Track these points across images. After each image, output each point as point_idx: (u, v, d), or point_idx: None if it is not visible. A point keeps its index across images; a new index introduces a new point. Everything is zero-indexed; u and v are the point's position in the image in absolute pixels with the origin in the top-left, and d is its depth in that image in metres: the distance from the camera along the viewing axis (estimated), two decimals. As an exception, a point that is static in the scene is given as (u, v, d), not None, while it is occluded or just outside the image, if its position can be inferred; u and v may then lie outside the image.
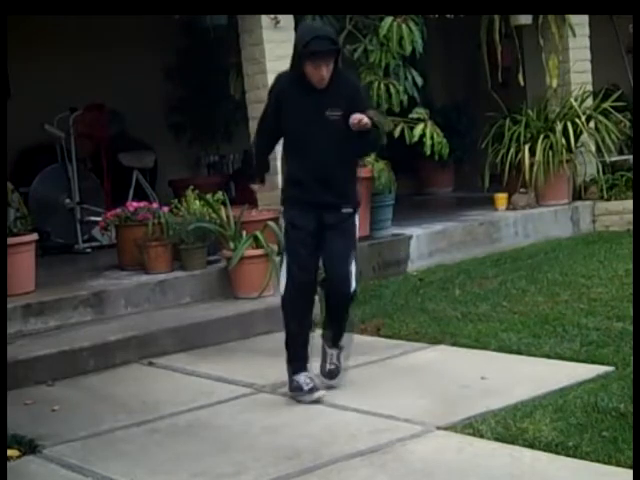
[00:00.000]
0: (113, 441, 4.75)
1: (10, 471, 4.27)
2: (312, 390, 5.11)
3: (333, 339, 5.38)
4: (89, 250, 8.90)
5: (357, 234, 5.32)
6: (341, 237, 5.19)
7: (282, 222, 5.34)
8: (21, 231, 7.08)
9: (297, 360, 5.21)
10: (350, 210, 5.21)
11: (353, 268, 5.22)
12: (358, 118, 4.99)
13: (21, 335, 6.36)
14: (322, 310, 5.54)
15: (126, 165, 9.70)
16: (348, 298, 5.27)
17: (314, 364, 5.31)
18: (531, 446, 4.21)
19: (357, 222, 5.29)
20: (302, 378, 5.14)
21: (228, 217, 7.34)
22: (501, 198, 9.67)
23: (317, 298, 5.41)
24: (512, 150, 9.57)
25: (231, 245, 7.15)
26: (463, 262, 8.50)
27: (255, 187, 5.72)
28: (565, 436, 4.26)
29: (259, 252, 7.05)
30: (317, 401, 5.08)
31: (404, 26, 8.14)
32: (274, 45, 7.85)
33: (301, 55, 5.04)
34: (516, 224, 9.29)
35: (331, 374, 5.36)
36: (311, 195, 5.15)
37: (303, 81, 5.10)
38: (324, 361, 5.37)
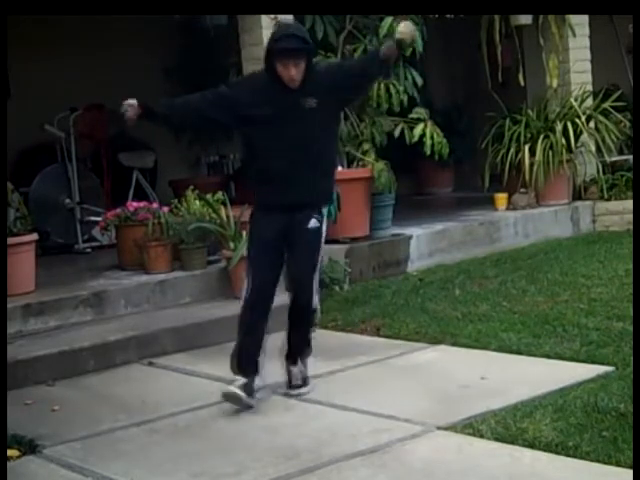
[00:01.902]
0: (113, 441, 4.75)
1: (10, 471, 4.26)
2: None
3: (296, 354, 5.27)
4: (89, 250, 8.89)
5: (323, 241, 5.13)
6: (306, 249, 5.06)
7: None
8: (21, 231, 7.08)
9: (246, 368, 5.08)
10: (318, 225, 5.05)
11: (316, 283, 5.13)
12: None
13: (21, 335, 6.35)
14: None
15: (126, 165, 9.69)
16: (309, 312, 5.19)
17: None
18: (531, 446, 4.21)
19: (324, 230, 5.11)
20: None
21: (228, 217, 7.34)
22: (501, 198, 9.67)
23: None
24: (512, 150, 9.57)
25: (231, 245, 7.15)
26: (463, 262, 8.49)
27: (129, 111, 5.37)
28: (565, 436, 4.26)
29: (259, 252, 7.04)
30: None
31: (404, 26, 8.13)
32: (274, 45, 7.84)
33: (270, 52, 4.93)
34: (516, 224, 9.28)
35: (300, 385, 5.26)
36: (280, 195, 4.98)
37: (276, 80, 4.94)
38: (290, 381, 5.27)
